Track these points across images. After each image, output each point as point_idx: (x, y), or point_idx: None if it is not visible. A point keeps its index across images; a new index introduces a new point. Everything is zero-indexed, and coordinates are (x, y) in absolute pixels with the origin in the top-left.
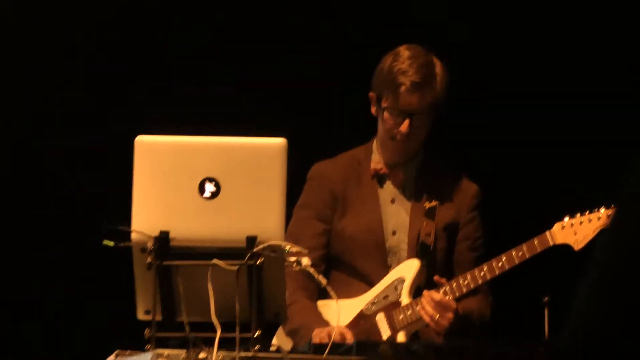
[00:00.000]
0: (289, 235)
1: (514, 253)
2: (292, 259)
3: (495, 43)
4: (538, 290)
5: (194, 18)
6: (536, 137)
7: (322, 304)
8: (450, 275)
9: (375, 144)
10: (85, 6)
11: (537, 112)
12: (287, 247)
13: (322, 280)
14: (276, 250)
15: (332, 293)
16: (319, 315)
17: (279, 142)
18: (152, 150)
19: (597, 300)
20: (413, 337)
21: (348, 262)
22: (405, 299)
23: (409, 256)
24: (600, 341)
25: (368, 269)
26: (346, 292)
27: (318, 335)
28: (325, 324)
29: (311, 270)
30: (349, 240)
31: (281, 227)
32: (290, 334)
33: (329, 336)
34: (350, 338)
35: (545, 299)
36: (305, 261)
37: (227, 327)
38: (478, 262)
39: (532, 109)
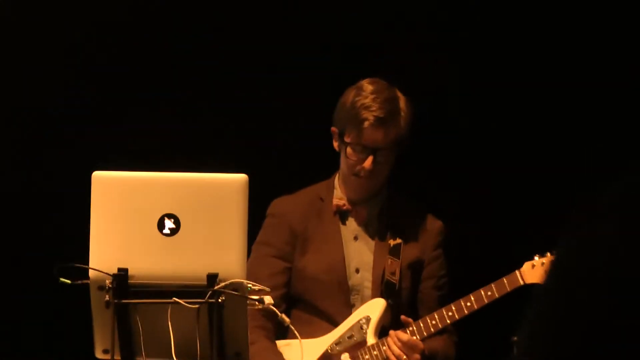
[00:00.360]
0: (248, 274)
1: (482, 293)
2: (255, 297)
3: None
4: (505, 330)
5: (149, 45)
6: (505, 171)
7: (283, 344)
8: (414, 314)
9: (337, 180)
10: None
11: (507, 143)
12: (250, 285)
13: (285, 319)
14: (238, 288)
15: (295, 332)
16: (278, 356)
17: (240, 177)
18: (109, 186)
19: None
20: None
21: (310, 300)
22: (371, 339)
23: (374, 295)
24: None
25: (330, 308)
26: (308, 332)
27: None
28: None
29: (275, 309)
30: (310, 279)
31: (243, 265)
32: None
33: None
34: None
35: (514, 338)
36: (268, 300)
37: None
38: (442, 301)
39: (501, 139)
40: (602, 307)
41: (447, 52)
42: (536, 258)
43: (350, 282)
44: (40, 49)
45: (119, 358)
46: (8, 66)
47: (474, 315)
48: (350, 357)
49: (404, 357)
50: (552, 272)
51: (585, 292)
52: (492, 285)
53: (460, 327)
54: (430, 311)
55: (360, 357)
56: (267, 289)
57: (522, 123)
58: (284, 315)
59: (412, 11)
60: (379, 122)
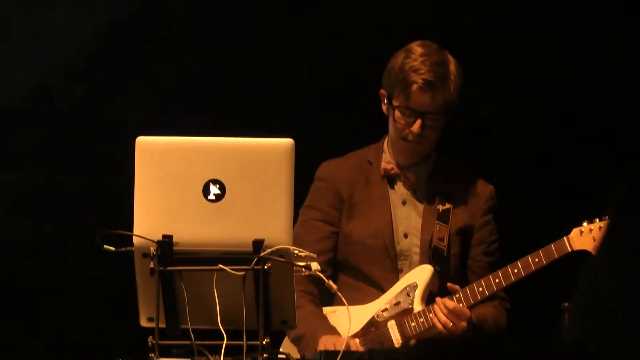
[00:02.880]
0: (294, 237)
1: (530, 259)
2: (301, 263)
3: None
4: (556, 296)
5: (189, 15)
6: (555, 139)
7: (330, 311)
8: (463, 281)
9: (386, 144)
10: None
11: (558, 112)
12: (296, 252)
13: (333, 285)
14: (284, 254)
15: (343, 299)
16: (324, 321)
17: (286, 142)
18: (153, 152)
19: (592, 314)
20: None
21: (356, 266)
22: (417, 306)
23: (421, 261)
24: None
25: (377, 273)
26: (355, 298)
27: (323, 344)
28: (331, 330)
29: (321, 275)
30: (357, 244)
31: (289, 231)
32: (294, 340)
33: (335, 347)
34: (357, 348)
35: (565, 304)
36: (315, 266)
37: (233, 334)
38: (492, 268)
39: (551, 108)
40: None
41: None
42: (585, 224)
43: (398, 247)
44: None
45: (164, 326)
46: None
47: (524, 281)
48: (396, 324)
49: (450, 324)
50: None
51: None
52: (540, 251)
53: (510, 293)
54: (479, 278)
55: (407, 324)
56: (314, 255)
57: (572, 92)
58: (331, 282)
59: None
60: (428, 85)
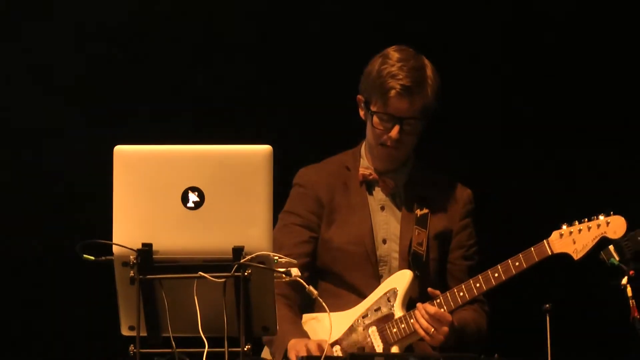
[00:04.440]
0: (273, 241)
1: (511, 263)
2: (281, 269)
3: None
4: (537, 298)
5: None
6: (534, 142)
7: (311, 317)
8: (443, 286)
9: (363, 149)
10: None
11: (534, 116)
12: (276, 258)
13: (313, 291)
14: (264, 261)
15: (324, 305)
16: (295, 326)
17: (264, 148)
18: (131, 160)
19: None
20: (407, 350)
21: (337, 272)
22: (398, 312)
23: (400, 266)
24: None
25: (358, 280)
26: (336, 305)
27: (294, 348)
28: (302, 334)
29: (302, 281)
30: (337, 250)
31: (269, 237)
32: (267, 343)
33: (307, 349)
34: (328, 351)
35: (547, 306)
36: (295, 272)
37: (215, 341)
38: (472, 272)
39: (529, 110)
40: None
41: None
42: (564, 227)
43: (378, 253)
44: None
45: (145, 334)
46: None
47: (504, 285)
48: (377, 330)
49: (432, 329)
50: None
51: None
52: (520, 255)
53: (491, 297)
54: (459, 282)
55: (388, 330)
56: (294, 261)
57: (548, 94)
58: (311, 288)
59: None
60: (406, 91)
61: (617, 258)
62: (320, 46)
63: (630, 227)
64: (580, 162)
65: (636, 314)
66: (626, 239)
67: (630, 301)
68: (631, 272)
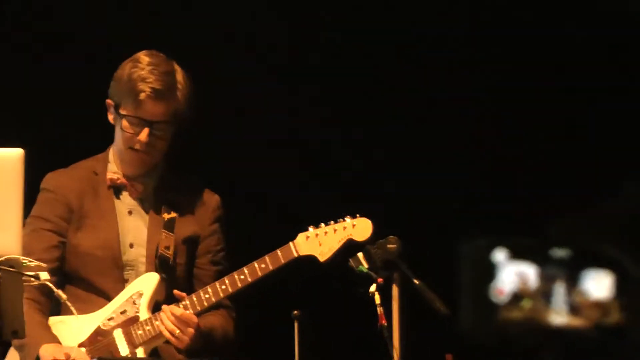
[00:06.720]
0: (22, 246)
1: (257, 265)
2: (31, 273)
3: None
4: (287, 305)
5: None
6: (272, 144)
7: (57, 321)
8: (191, 290)
9: (111, 154)
10: None
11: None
12: (25, 261)
13: (62, 295)
14: (14, 264)
15: (72, 308)
16: (47, 331)
17: (16, 152)
18: None
19: None
20: (153, 353)
21: (85, 277)
22: (144, 314)
23: (147, 270)
24: None
25: (105, 284)
26: (84, 308)
27: (45, 354)
28: (54, 340)
29: (51, 285)
30: (85, 255)
31: (19, 240)
32: (18, 348)
33: (54, 357)
34: (81, 358)
35: (295, 312)
36: (44, 276)
37: None
38: (219, 276)
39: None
40: None
41: None
42: (310, 229)
43: (124, 258)
44: None
45: None
46: None
47: (254, 288)
48: (123, 332)
49: (177, 331)
50: None
51: None
52: (266, 257)
53: (241, 302)
54: (205, 286)
55: (133, 332)
56: (44, 265)
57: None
58: (60, 292)
59: None
60: (156, 94)
61: (366, 266)
62: (68, 52)
63: (376, 230)
64: (325, 164)
65: (384, 322)
66: (376, 247)
67: (378, 308)
68: (380, 280)
